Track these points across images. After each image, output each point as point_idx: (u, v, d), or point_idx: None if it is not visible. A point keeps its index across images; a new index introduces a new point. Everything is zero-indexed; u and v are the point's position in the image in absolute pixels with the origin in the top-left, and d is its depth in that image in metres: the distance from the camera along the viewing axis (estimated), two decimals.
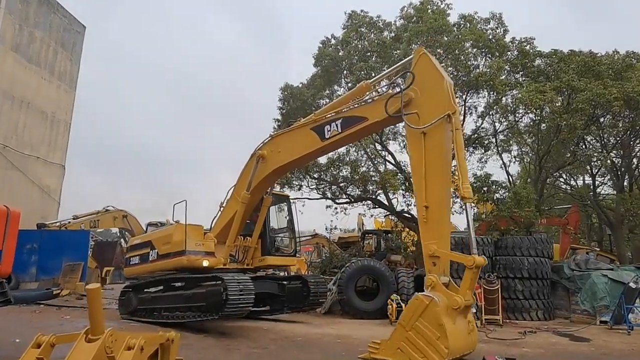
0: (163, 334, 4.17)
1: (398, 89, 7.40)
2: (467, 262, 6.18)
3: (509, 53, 15.46)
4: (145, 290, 10.29)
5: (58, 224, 17.40)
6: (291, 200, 12.16)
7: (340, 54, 16.69)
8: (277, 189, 15.51)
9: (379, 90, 9.03)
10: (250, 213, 10.01)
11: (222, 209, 10.02)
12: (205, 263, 9.34)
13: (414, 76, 7.12)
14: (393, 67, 8.57)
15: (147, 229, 18.19)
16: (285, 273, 14.27)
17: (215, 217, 10.11)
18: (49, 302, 12.38)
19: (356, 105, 8.19)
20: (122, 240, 22.24)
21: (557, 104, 13.42)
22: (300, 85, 17.31)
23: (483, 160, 17.84)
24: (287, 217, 11.43)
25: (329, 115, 8.41)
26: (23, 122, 17.81)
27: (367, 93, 8.57)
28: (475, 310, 10.47)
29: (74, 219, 17.93)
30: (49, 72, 19.21)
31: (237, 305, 8.24)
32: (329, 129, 8.23)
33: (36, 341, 3.51)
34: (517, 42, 15.61)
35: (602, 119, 15.53)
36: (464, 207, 6.89)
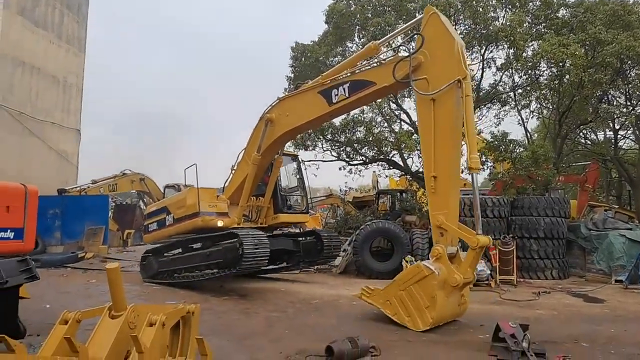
0: (184, 307, 4.29)
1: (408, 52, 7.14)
2: (471, 243, 6.26)
3: (530, 4, 14.64)
4: (165, 254, 10.61)
5: (78, 188, 17.80)
6: (304, 162, 12.28)
7: (352, 9, 16.03)
8: (291, 149, 15.50)
9: (392, 49, 8.66)
10: (261, 175, 10.16)
11: (233, 171, 10.23)
12: (220, 223, 9.64)
13: (424, 39, 6.82)
14: (402, 28, 8.19)
15: (164, 191, 18.53)
16: (300, 229, 14.57)
17: (227, 179, 10.37)
18: (75, 265, 12.88)
19: (365, 68, 7.91)
20: (141, 202, 22.74)
21: (580, 58, 12.77)
22: (311, 43, 16.80)
23: (500, 116, 17.38)
24: (298, 176, 11.61)
25: (336, 78, 8.17)
26: (36, 88, 17.82)
27: (375, 55, 8.24)
28: (490, 272, 10.59)
29: (92, 183, 18.33)
30: (56, 36, 18.94)
31: (254, 259, 8.54)
32: (336, 93, 8.03)
33: (63, 317, 3.67)
34: None
35: (628, 72, 14.82)
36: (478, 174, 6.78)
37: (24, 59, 17.15)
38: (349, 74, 8.02)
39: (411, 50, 7.00)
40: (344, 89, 7.91)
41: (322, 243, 10.92)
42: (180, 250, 10.35)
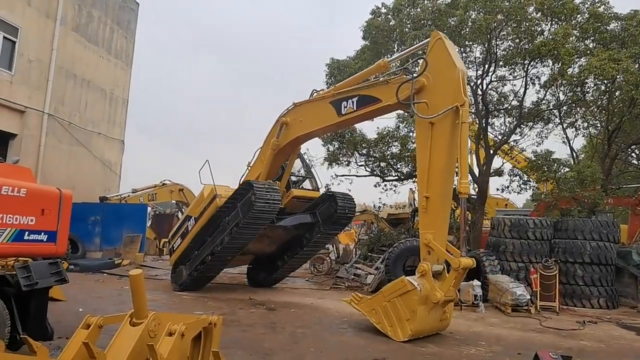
0: (206, 317, 4.23)
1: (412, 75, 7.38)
2: (453, 264, 6.51)
3: (578, 16, 14.02)
4: (190, 256, 10.77)
5: (118, 197, 18.43)
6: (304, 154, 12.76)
7: (391, 23, 15.93)
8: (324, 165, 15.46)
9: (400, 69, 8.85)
10: (280, 163, 10.57)
11: (249, 168, 10.77)
12: None
13: (427, 63, 7.07)
14: (410, 49, 8.50)
15: None
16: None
17: (242, 175, 10.90)
18: (111, 271, 13.22)
19: (374, 84, 8.25)
20: (179, 212, 23.28)
21: (633, 74, 12.05)
22: (347, 59, 16.81)
23: (543, 135, 16.61)
24: (303, 165, 12.11)
25: (347, 91, 8.54)
26: (85, 99, 18.72)
27: (383, 72, 8.60)
28: (530, 296, 10.01)
29: (132, 192, 18.94)
30: (106, 51, 19.92)
31: (266, 202, 9.06)
32: (345, 105, 8.44)
33: (85, 322, 3.69)
34: (588, 3, 14.14)
35: None
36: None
37: (75, 72, 18.11)
38: (357, 89, 8.38)
39: (413, 75, 7.26)
40: (352, 102, 8.31)
41: (335, 202, 10.77)
42: (201, 242, 10.59)
